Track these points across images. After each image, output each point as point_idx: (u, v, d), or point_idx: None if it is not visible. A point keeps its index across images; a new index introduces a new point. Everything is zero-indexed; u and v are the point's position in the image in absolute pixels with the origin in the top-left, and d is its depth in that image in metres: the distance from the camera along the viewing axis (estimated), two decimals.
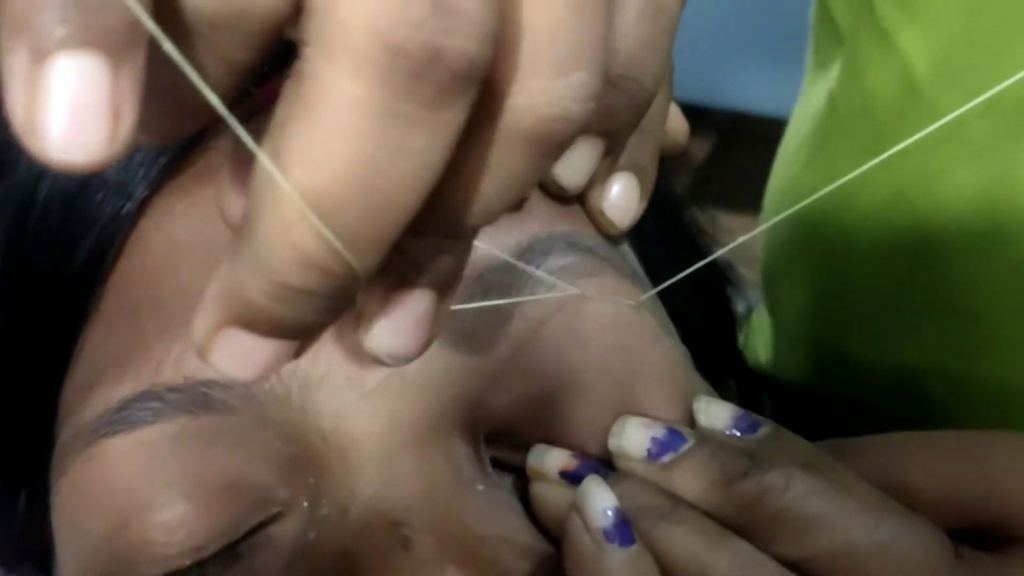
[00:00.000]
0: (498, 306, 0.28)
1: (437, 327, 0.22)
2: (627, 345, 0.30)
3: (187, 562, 0.28)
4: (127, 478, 0.28)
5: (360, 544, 0.27)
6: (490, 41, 0.17)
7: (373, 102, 0.17)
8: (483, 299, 0.28)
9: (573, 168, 0.30)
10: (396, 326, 0.21)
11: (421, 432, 0.28)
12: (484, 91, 0.18)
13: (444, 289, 0.21)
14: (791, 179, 0.56)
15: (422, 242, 0.20)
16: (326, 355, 0.28)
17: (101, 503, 0.28)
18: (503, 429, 0.29)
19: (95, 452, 0.28)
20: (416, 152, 0.17)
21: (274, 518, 0.28)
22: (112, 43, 0.16)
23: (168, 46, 0.16)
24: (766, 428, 0.30)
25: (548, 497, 0.28)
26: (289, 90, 0.17)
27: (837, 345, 0.51)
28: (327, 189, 0.17)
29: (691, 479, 0.28)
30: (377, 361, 0.21)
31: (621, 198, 0.32)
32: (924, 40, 0.49)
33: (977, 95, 0.31)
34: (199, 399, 0.27)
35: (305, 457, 0.28)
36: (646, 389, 0.30)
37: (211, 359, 0.19)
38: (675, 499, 0.28)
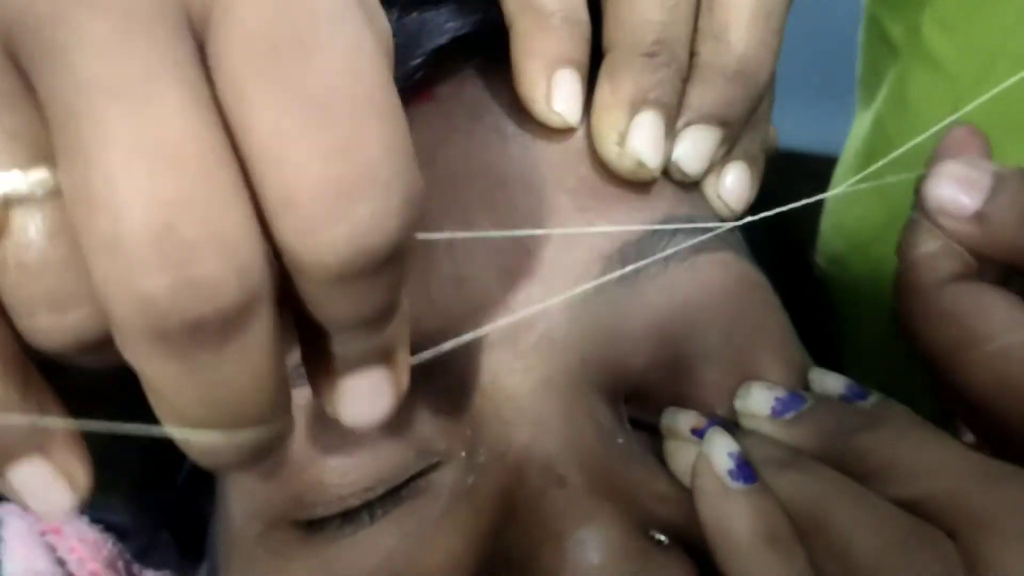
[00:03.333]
0: (630, 274, 0.31)
1: (398, 387, 0.24)
2: (748, 314, 0.33)
3: (357, 502, 0.31)
4: (305, 429, 0.31)
5: (518, 485, 0.29)
6: (248, 274, 0.19)
7: (170, 371, 0.19)
8: (620, 268, 0.31)
9: (695, 155, 0.33)
10: (355, 405, 0.24)
11: (567, 389, 0.31)
12: (282, 252, 0.20)
13: (388, 359, 0.24)
14: (842, 206, 0.59)
15: (333, 341, 0.23)
16: (483, 321, 0.30)
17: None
18: (640, 390, 0.32)
19: None
20: (238, 373, 0.20)
21: (434, 466, 0.31)
22: None
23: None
24: (875, 396, 0.32)
25: (680, 451, 0.31)
26: None
27: None
28: (194, 425, 0.21)
29: (811, 433, 0.30)
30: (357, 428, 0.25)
31: (736, 184, 0.35)
32: (964, 58, 0.53)
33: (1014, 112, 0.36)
34: None
35: (464, 411, 0.31)
36: (766, 356, 0.33)
37: None
38: (796, 451, 0.30)
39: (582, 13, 0.33)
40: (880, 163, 0.37)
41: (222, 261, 0.18)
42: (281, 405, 0.22)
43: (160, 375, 0.20)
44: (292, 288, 0.21)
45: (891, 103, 0.61)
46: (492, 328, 0.30)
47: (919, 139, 0.37)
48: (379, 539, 0.31)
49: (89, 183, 0.18)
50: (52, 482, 0.23)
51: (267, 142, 0.19)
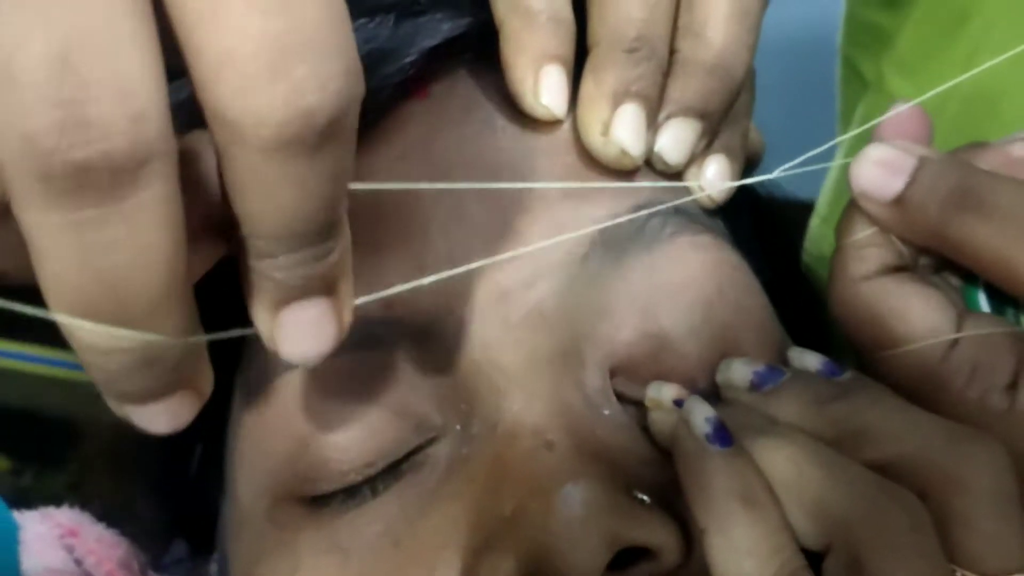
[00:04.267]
0: (619, 253, 0.33)
1: (340, 321, 0.24)
2: (728, 293, 0.35)
3: (359, 478, 0.33)
4: (306, 408, 0.33)
5: (508, 450, 0.31)
6: (143, 123, 0.18)
7: (55, 223, 0.19)
8: (604, 249, 0.33)
9: (676, 146, 0.35)
10: (295, 338, 0.23)
11: (556, 361, 0.32)
12: (216, 123, 0.19)
13: (330, 290, 0.23)
14: (815, 238, 0.61)
15: (273, 263, 0.22)
16: (475, 297, 0.32)
17: (283, 428, 0.33)
18: (625, 364, 0.33)
19: (278, 385, 0.33)
20: (125, 240, 0.19)
21: (431, 440, 0.33)
22: None
23: None
24: (851, 372, 0.33)
25: (663, 421, 0.32)
26: None
27: None
28: (79, 305, 0.20)
29: (788, 403, 0.32)
30: (295, 364, 0.24)
31: (716, 175, 0.36)
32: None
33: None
34: (366, 338, 0.32)
35: (458, 386, 0.32)
36: (746, 334, 0.35)
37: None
38: (773, 419, 0.31)
39: (567, 12, 0.35)
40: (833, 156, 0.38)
41: (116, 103, 0.18)
42: (175, 309, 0.21)
43: (42, 226, 0.19)
44: (231, 202, 0.21)
45: (859, 141, 0.63)
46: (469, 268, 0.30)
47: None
48: (381, 512, 0.33)
49: None
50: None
51: (205, 2, 0.19)
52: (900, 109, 0.37)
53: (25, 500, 0.45)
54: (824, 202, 0.65)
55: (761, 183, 0.44)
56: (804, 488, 0.28)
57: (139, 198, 0.19)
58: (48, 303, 0.20)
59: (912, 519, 0.27)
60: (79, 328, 0.20)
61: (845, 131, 0.67)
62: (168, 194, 0.19)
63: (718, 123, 0.36)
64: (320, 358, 0.24)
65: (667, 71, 0.35)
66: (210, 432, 0.37)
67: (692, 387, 0.33)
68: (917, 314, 0.35)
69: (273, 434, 0.33)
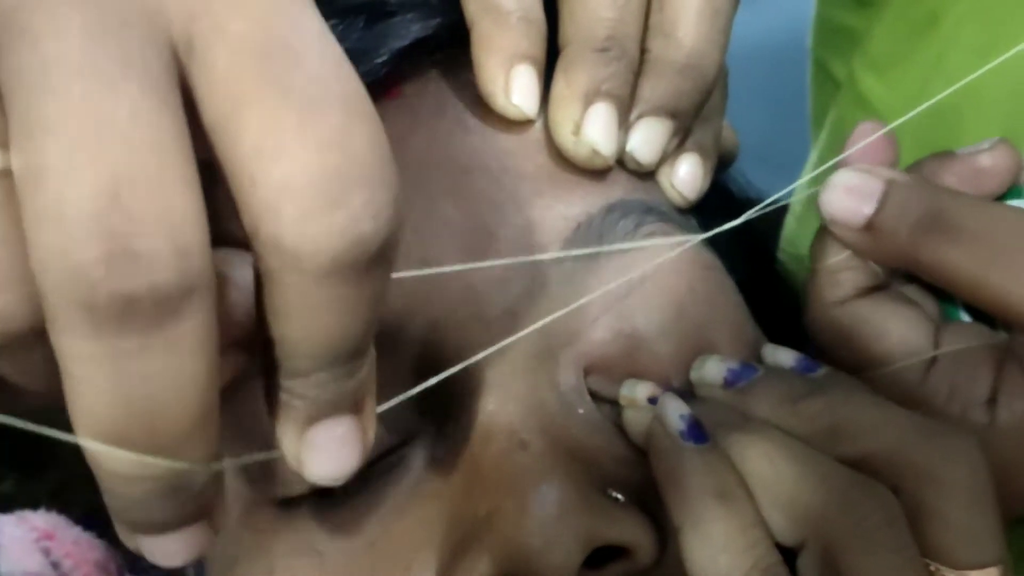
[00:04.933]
0: (591, 254, 0.33)
1: (365, 439, 0.24)
2: (702, 292, 0.35)
3: None
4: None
5: (483, 451, 0.31)
6: (188, 257, 0.19)
7: (94, 351, 0.19)
8: (578, 248, 0.33)
9: (647, 145, 0.35)
10: (322, 458, 0.23)
11: (530, 361, 0.32)
12: (269, 250, 0.20)
13: (357, 408, 0.23)
14: (790, 236, 0.62)
15: (305, 381, 0.22)
16: (448, 299, 0.32)
17: (254, 430, 0.33)
18: (599, 363, 0.33)
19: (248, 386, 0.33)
20: (164, 370, 0.19)
21: (405, 442, 0.33)
22: None
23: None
24: (824, 369, 0.34)
25: (638, 419, 0.32)
26: None
27: None
28: (110, 433, 0.20)
29: (761, 399, 0.32)
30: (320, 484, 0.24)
31: (689, 174, 0.37)
32: (891, 98, 0.57)
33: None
34: None
35: (433, 387, 0.32)
36: (719, 331, 0.35)
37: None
38: (747, 416, 0.31)
39: (538, 13, 0.35)
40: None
41: (163, 237, 0.19)
42: (205, 437, 0.21)
43: (81, 354, 0.19)
44: (267, 322, 0.21)
45: (830, 143, 0.64)
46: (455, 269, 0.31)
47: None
48: (356, 513, 0.33)
49: (42, 153, 0.18)
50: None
51: (264, 138, 0.19)
52: (861, 129, 0.38)
53: (7, 507, 0.45)
54: (799, 201, 0.65)
55: (735, 181, 0.45)
56: (778, 484, 0.28)
57: (180, 329, 0.19)
58: (76, 429, 0.20)
59: (886, 514, 0.28)
60: (108, 456, 0.20)
61: (817, 133, 0.68)
62: (208, 324, 0.20)
63: (690, 122, 0.36)
64: (345, 478, 0.24)
65: (638, 71, 0.35)
66: None
67: (666, 385, 0.33)
68: (894, 335, 0.36)
69: (244, 436, 0.33)
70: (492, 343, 0.32)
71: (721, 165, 0.42)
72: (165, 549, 0.23)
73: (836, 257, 0.37)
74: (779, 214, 0.60)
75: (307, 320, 0.21)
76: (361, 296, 0.21)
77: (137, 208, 0.18)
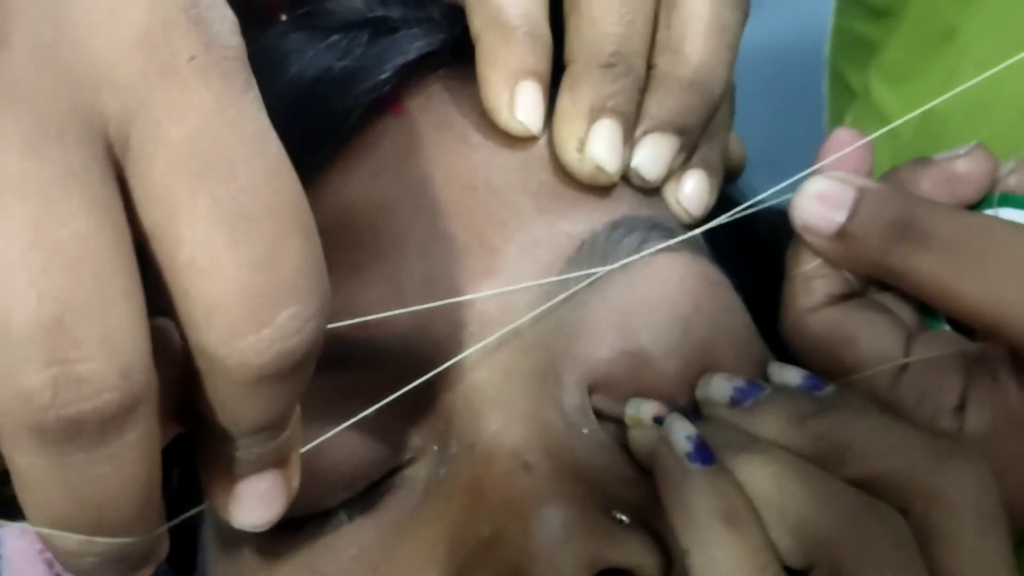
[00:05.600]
0: (594, 274, 0.33)
1: (288, 489, 0.25)
2: (707, 310, 0.34)
3: (335, 503, 0.32)
4: None
5: (486, 472, 0.31)
6: (131, 376, 0.20)
7: (43, 464, 0.20)
8: (581, 267, 0.33)
9: (653, 162, 0.35)
10: (247, 509, 0.25)
11: (533, 381, 0.32)
12: (202, 357, 0.21)
13: (282, 462, 0.25)
14: None
15: (232, 445, 0.23)
16: (451, 316, 0.32)
17: None
18: (604, 382, 0.33)
19: None
20: (109, 475, 0.20)
21: (408, 462, 0.33)
22: None
23: None
24: (832, 387, 0.33)
25: (643, 439, 0.32)
26: None
27: None
28: (60, 524, 0.21)
29: (769, 419, 0.31)
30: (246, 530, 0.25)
31: (695, 191, 0.36)
32: (904, 111, 0.56)
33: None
34: (341, 359, 0.31)
35: (435, 407, 0.32)
36: (725, 350, 0.34)
37: None
38: (754, 436, 0.31)
39: (544, 28, 0.35)
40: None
41: (106, 360, 0.19)
42: (148, 516, 0.22)
43: (31, 468, 0.20)
44: (196, 396, 0.22)
45: None
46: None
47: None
48: (358, 535, 0.32)
49: None
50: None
51: (196, 252, 0.20)
52: (836, 136, 0.38)
53: (8, 510, 0.45)
54: None
55: (742, 195, 0.44)
56: (786, 506, 0.28)
57: (124, 440, 0.20)
58: (28, 517, 0.22)
59: (895, 536, 0.27)
60: (58, 537, 0.21)
61: None
62: (150, 431, 0.21)
63: (696, 139, 0.36)
64: (270, 524, 0.25)
65: (645, 87, 0.35)
66: (188, 454, 0.37)
67: (672, 404, 0.32)
68: (865, 342, 0.35)
69: None
70: (493, 363, 0.32)
71: (728, 178, 0.42)
72: None
73: (809, 264, 0.36)
74: (790, 232, 0.60)
75: (232, 411, 0.22)
76: (284, 392, 0.22)
77: (81, 332, 0.19)
